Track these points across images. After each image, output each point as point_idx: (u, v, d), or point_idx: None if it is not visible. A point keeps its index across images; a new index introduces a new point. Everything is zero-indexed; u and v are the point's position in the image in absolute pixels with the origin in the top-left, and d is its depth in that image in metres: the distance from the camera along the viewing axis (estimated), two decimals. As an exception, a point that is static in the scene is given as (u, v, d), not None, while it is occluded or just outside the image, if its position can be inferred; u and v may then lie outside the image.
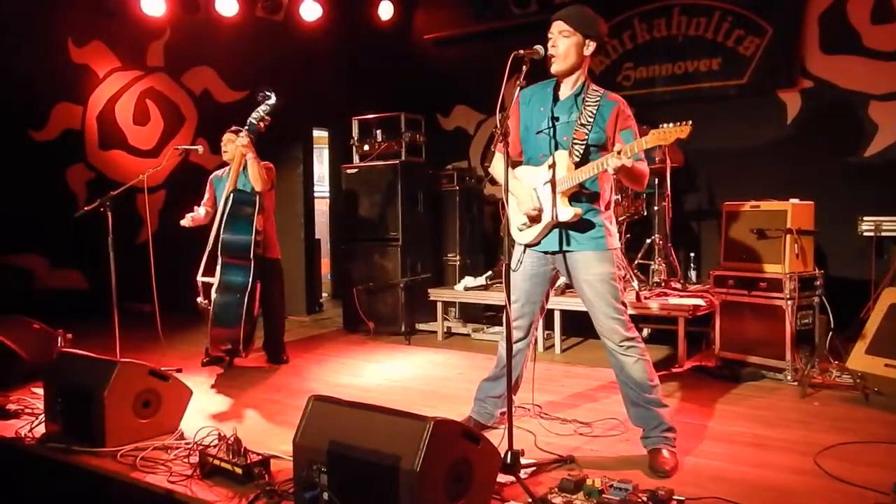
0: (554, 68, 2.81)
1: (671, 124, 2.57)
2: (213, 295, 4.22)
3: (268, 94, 4.37)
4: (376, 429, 2.21)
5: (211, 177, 4.85)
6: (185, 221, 4.64)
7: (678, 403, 3.71)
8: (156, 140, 7.28)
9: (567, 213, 2.79)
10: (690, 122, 2.51)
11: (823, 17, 5.48)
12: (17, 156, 6.44)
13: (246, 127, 4.39)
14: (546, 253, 2.94)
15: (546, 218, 2.84)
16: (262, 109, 4.38)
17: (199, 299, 4.36)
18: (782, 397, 3.81)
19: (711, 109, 5.74)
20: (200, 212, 4.70)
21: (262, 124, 4.38)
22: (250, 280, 4.25)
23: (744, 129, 5.78)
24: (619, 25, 6.35)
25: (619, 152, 2.60)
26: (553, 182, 2.78)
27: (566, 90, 2.89)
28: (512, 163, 2.85)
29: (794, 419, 3.41)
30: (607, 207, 2.92)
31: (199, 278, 4.37)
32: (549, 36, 2.81)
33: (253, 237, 4.28)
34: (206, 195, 4.80)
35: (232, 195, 4.31)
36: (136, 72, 7.19)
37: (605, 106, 2.83)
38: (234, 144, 4.47)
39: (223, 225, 4.27)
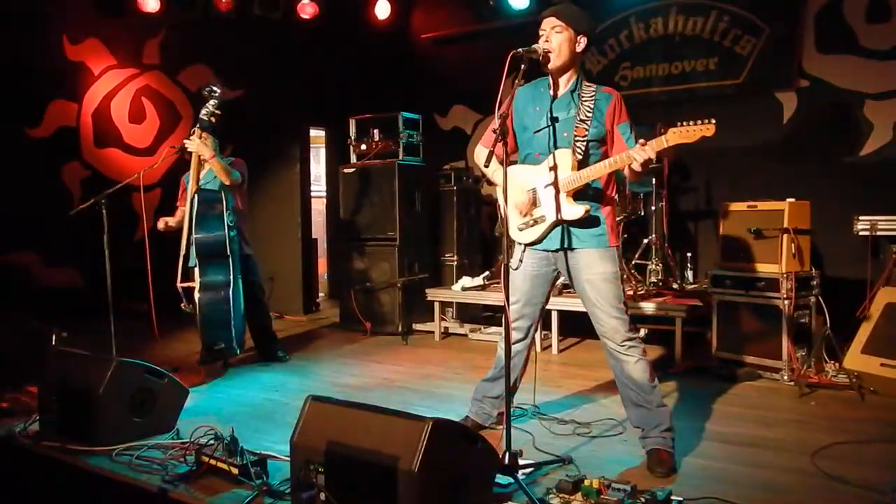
0: (551, 64, 2.80)
1: (691, 122, 2.54)
2: (197, 296, 4.20)
3: (213, 88, 4.32)
4: (374, 429, 2.19)
5: (183, 176, 4.79)
6: (160, 225, 4.55)
7: (675, 404, 3.71)
8: (151, 138, 7.25)
9: (576, 210, 2.76)
10: (713, 120, 2.47)
11: (819, 17, 5.48)
12: (12, 153, 6.40)
13: (197, 125, 4.33)
14: (547, 251, 2.92)
15: (550, 218, 2.83)
16: (210, 105, 4.32)
17: (183, 305, 4.33)
18: (779, 397, 3.82)
19: (708, 109, 5.65)
20: (171, 222, 4.59)
21: (212, 119, 4.32)
22: (231, 276, 4.23)
23: (740, 128, 5.76)
24: (616, 25, 6.35)
25: (643, 146, 2.56)
26: (556, 183, 2.77)
27: (561, 87, 2.87)
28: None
29: (790, 419, 3.42)
30: (608, 203, 2.91)
31: (179, 284, 4.33)
32: (541, 32, 2.80)
33: (226, 233, 4.26)
34: (180, 194, 4.75)
35: (196, 195, 4.25)
36: (131, 69, 7.16)
37: (602, 99, 2.83)
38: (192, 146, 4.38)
39: (194, 226, 4.22)
